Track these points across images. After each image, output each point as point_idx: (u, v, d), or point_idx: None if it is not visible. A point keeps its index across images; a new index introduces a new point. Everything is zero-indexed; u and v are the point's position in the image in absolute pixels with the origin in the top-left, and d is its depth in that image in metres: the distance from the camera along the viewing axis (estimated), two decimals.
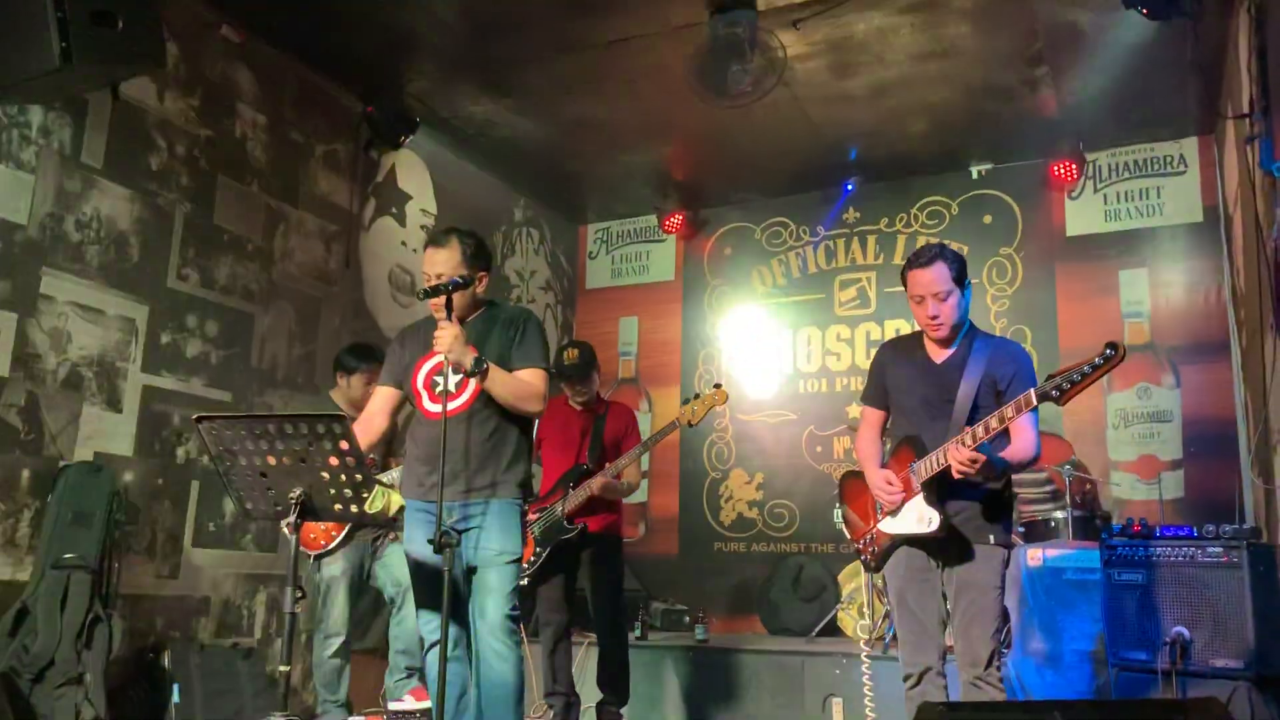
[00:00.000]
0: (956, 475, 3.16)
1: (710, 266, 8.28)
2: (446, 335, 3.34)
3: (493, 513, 3.49)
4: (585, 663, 5.38)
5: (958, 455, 3.13)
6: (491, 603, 3.46)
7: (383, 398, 3.72)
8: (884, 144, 7.06)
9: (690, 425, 4.84)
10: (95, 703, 4.16)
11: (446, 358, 3.36)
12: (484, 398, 3.51)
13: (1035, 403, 3.03)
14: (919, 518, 3.33)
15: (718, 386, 4.84)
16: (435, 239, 3.64)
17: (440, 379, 3.49)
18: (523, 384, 3.52)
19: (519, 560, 3.55)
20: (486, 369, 3.40)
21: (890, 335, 7.38)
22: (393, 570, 4.81)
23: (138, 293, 4.98)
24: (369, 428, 3.64)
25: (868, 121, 6.75)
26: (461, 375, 3.44)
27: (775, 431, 7.75)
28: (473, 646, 3.51)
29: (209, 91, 5.41)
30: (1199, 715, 1.96)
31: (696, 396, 4.81)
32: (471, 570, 3.49)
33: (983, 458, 3.11)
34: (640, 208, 8.39)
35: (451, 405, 3.42)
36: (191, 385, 5.21)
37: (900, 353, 3.62)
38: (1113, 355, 2.85)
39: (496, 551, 3.47)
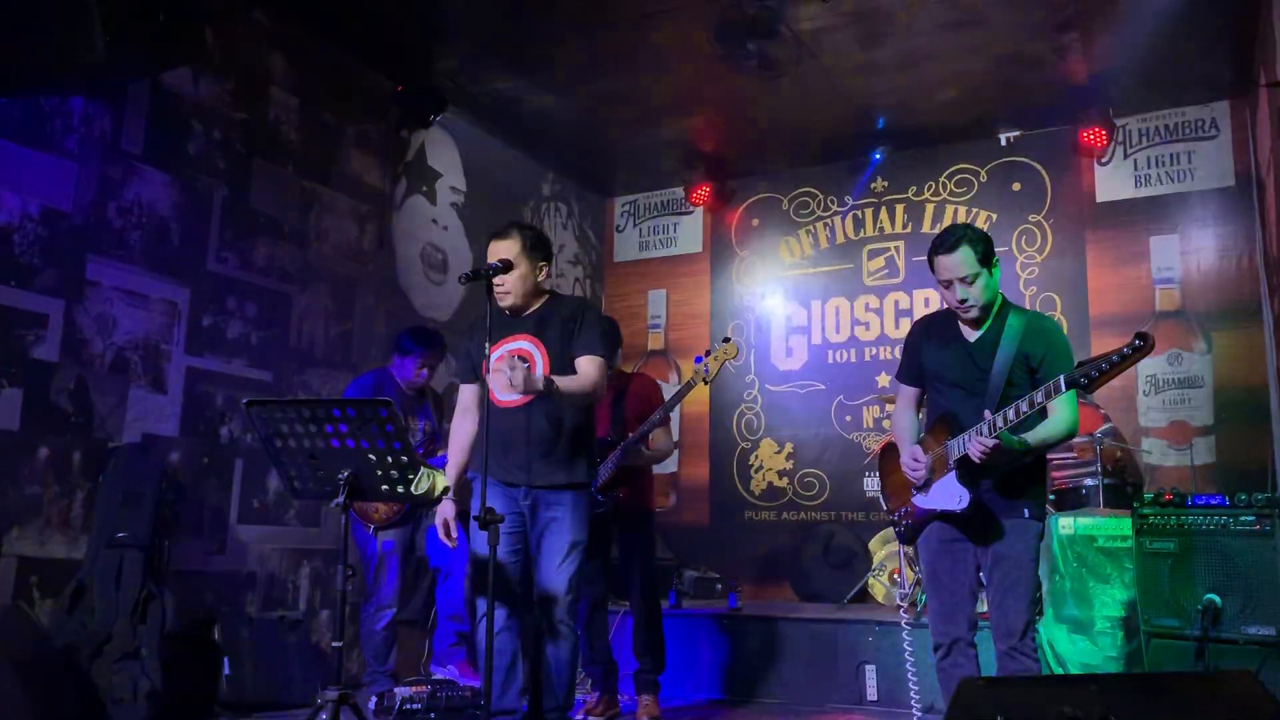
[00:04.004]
0: (977, 460, 3.21)
1: (738, 238, 8.30)
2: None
3: (565, 503, 3.70)
4: (621, 632, 5.48)
5: (979, 445, 3.19)
6: (560, 589, 3.66)
7: (470, 394, 3.88)
8: (912, 113, 7.04)
9: (705, 382, 4.90)
10: (152, 676, 4.29)
11: (524, 392, 3.49)
12: None
13: (1064, 389, 3.06)
14: (950, 495, 3.38)
15: (727, 340, 4.91)
16: (498, 232, 3.80)
17: (487, 362, 3.63)
18: (584, 379, 3.67)
19: (584, 546, 3.76)
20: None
21: (919, 305, 7.41)
22: (439, 541, 4.95)
23: (179, 276, 5.09)
24: (465, 423, 3.85)
25: (896, 91, 6.73)
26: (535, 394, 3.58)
27: (804, 401, 7.80)
28: (539, 626, 3.71)
29: (243, 76, 5.47)
30: (1231, 688, 2.01)
31: (708, 353, 4.88)
32: (539, 560, 3.70)
33: (1000, 444, 3.16)
34: (667, 180, 8.42)
35: (519, 394, 3.60)
36: (233, 366, 5.32)
37: (934, 331, 3.65)
38: (1141, 345, 2.88)
39: (569, 541, 3.68)
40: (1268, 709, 1.91)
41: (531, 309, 3.79)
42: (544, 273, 3.79)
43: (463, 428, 3.84)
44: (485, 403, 3.74)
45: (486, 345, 3.54)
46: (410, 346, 5.04)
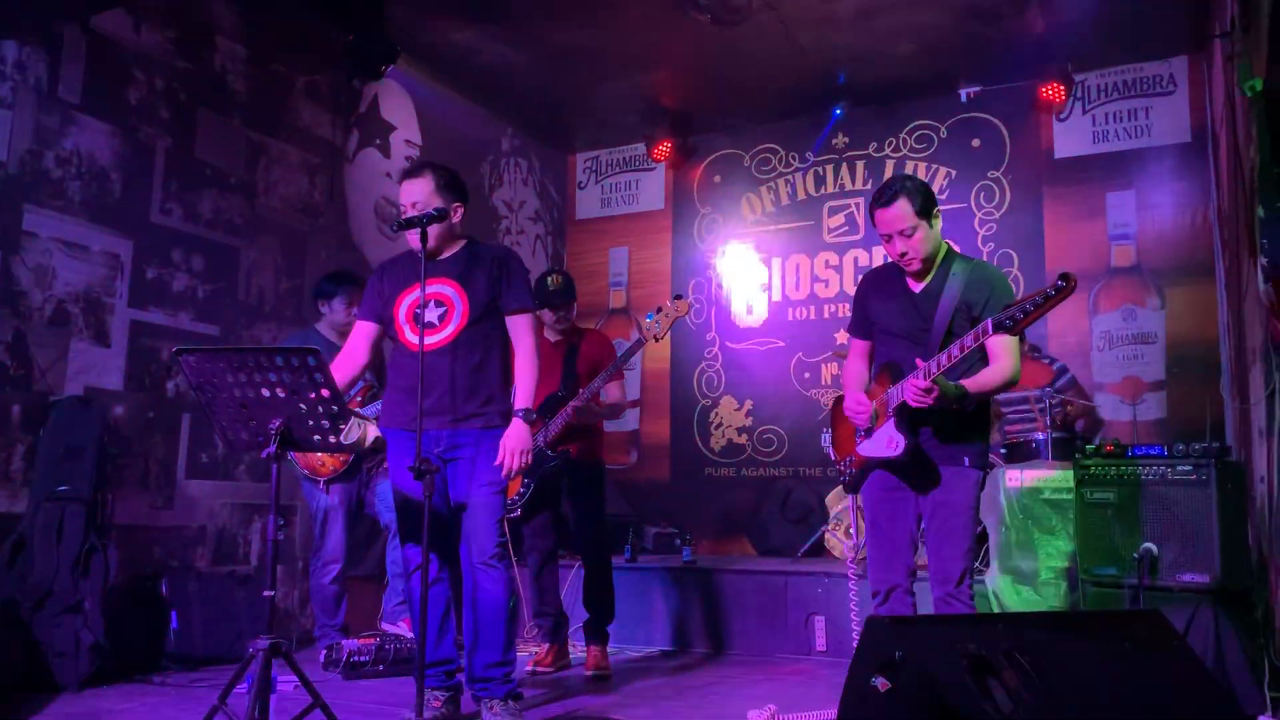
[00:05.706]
0: (913, 405, 3.22)
1: (700, 194, 8.25)
2: (518, 453, 3.55)
3: (485, 445, 3.61)
4: (573, 585, 5.50)
5: (914, 388, 3.19)
6: (482, 531, 3.60)
7: (363, 332, 3.79)
8: (872, 68, 6.99)
9: (655, 340, 4.87)
10: (94, 629, 4.28)
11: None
12: (468, 331, 3.62)
13: (991, 332, 3.07)
14: (889, 442, 3.39)
15: (679, 297, 4.87)
16: (409, 171, 3.75)
17: (422, 311, 3.56)
18: (529, 359, 3.67)
19: (505, 489, 3.69)
20: (535, 416, 3.69)
21: (879, 261, 7.39)
22: (387, 498, 4.94)
23: (121, 228, 5.00)
24: (350, 361, 3.74)
25: (855, 45, 6.67)
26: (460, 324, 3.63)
27: (764, 358, 7.80)
28: (463, 573, 3.65)
29: (186, 23, 5.36)
30: (1138, 625, 2.03)
31: (659, 310, 4.84)
32: (459, 502, 3.61)
33: (935, 387, 3.17)
34: (629, 136, 8.33)
35: (437, 338, 3.58)
36: (179, 319, 5.25)
37: (881, 283, 3.65)
38: (1064, 286, 2.90)
39: (486, 481, 3.60)
40: (1169, 642, 1.93)
41: (449, 253, 3.72)
42: (458, 214, 3.71)
43: (343, 370, 3.68)
44: (400, 348, 3.70)
45: (422, 289, 3.48)
46: (332, 288, 5.01)
